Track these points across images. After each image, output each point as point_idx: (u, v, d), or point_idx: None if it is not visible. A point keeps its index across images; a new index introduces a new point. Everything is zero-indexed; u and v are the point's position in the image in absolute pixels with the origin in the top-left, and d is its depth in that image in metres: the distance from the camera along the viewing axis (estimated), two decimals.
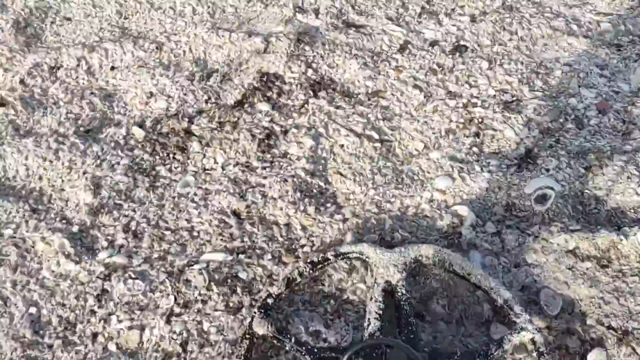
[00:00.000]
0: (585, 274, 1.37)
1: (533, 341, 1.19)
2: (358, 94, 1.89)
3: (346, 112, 1.82)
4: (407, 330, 1.19)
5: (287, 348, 1.19)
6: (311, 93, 1.88)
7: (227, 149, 1.71)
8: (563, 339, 1.28)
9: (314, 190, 1.62)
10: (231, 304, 1.35)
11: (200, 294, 1.36)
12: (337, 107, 1.83)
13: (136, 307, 1.35)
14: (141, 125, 1.80)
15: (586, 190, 1.57)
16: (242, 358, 1.19)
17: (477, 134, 1.73)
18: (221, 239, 1.49)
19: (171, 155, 1.71)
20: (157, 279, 1.40)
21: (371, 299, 1.25)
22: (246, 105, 1.85)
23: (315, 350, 1.18)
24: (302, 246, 1.47)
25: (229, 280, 1.39)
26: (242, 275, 1.41)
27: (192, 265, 1.42)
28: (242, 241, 1.48)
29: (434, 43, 2.05)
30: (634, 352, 1.25)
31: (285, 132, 1.77)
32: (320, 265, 1.34)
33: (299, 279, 1.31)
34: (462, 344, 1.26)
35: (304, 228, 1.52)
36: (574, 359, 1.26)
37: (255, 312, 1.24)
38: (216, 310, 1.34)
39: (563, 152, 1.65)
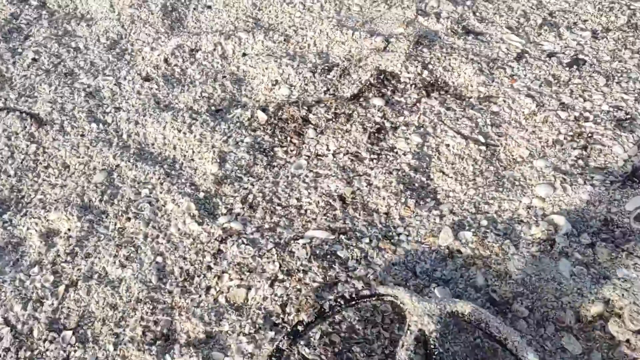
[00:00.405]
0: None
1: None
2: (470, 98, 1.95)
3: (456, 115, 1.89)
4: None
5: None
6: (424, 93, 1.97)
7: (340, 138, 1.85)
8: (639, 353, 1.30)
9: (416, 185, 1.72)
10: (328, 278, 1.49)
11: (302, 265, 1.52)
12: (448, 109, 1.91)
13: (246, 269, 1.53)
14: (264, 110, 1.98)
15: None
16: None
17: (584, 147, 1.74)
18: (325, 219, 1.63)
19: (289, 139, 1.88)
20: (265, 247, 1.57)
21: (402, 346, 1.23)
22: (361, 99, 1.98)
23: None
24: (399, 234, 1.58)
25: (328, 256, 1.53)
26: (341, 253, 1.54)
27: (297, 240, 1.58)
28: (344, 223, 1.62)
29: (551, 54, 2.07)
30: None
31: (395, 129, 1.88)
32: (353, 302, 1.32)
33: (328, 312, 1.31)
34: None
35: (402, 218, 1.63)
36: None
37: (283, 337, 1.26)
38: (314, 281, 1.48)
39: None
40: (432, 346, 1.22)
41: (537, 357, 1.20)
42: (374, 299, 1.32)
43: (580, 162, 1.71)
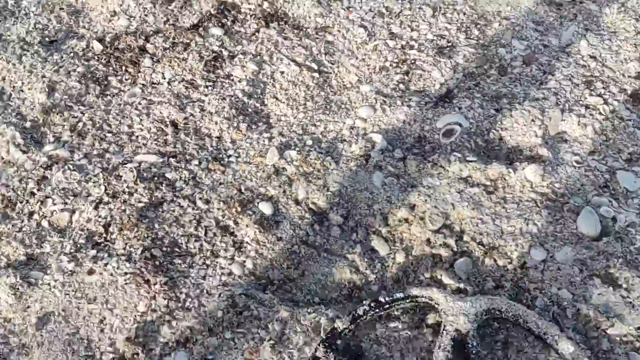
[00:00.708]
0: (471, 198, 1.54)
1: None
2: (307, 28, 2.02)
3: (292, 44, 1.95)
4: None
5: None
6: (263, 23, 2.02)
7: (176, 66, 1.87)
8: (438, 249, 1.46)
9: (249, 110, 1.77)
10: (153, 198, 1.53)
11: (127, 187, 1.54)
12: (285, 38, 1.97)
13: (70, 194, 1.53)
14: (101, 40, 1.95)
15: (493, 130, 1.72)
16: None
17: (407, 73, 1.87)
18: (156, 144, 1.66)
19: (124, 68, 1.86)
20: (92, 172, 1.58)
21: (439, 347, 1.24)
22: (200, 29, 1.99)
23: None
24: (229, 156, 1.64)
25: (156, 178, 1.57)
26: (169, 175, 1.58)
27: (126, 164, 1.59)
28: (175, 147, 1.65)
29: None
30: (494, 264, 1.43)
31: (233, 57, 1.91)
32: (387, 306, 1.33)
33: (364, 317, 1.31)
34: None
35: (233, 141, 1.68)
36: (444, 266, 1.44)
37: (319, 345, 1.25)
38: (140, 202, 1.52)
39: (479, 94, 1.79)
40: (470, 345, 1.23)
41: (578, 348, 1.22)
42: (408, 301, 1.32)
43: (402, 86, 1.83)
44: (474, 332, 1.24)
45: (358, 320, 1.29)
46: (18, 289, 1.34)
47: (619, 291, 1.37)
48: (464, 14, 2.07)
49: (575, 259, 1.43)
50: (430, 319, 1.33)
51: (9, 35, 1.97)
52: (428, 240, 1.49)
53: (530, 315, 1.28)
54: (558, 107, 1.76)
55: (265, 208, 1.53)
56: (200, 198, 1.53)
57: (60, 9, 2.08)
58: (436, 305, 1.30)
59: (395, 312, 1.34)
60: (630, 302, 1.35)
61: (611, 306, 1.35)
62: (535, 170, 1.58)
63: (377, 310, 1.31)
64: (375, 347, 1.29)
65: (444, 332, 1.25)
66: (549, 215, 1.51)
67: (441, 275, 1.43)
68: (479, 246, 1.45)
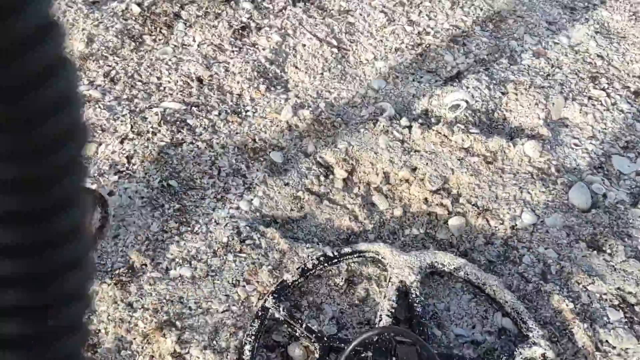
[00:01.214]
0: (470, 166, 1.63)
1: (544, 357, 1.22)
2: (331, 10, 2.15)
3: (316, 22, 2.08)
4: (419, 330, 1.22)
5: (297, 334, 1.25)
6: (291, 2, 2.15)
7: (206, 32, 2.00)
8: (434, 208, 1.55)
9: (270, 75, 1.89)
10: (174, 139, 1.64)
11: (152, 127, 1.66)
12: (309, 17, 2.10)
13: (99, 129, 1.66)
14: (139, 4, 2.10)
15: (497, 110, 1.81)
16: (253, 337, 1.22)
17: (420, 55, 1.98)
18: (181, 95, 1.78)
19: (158, 29, 2.00)
20: (120, 112, 1.70)
21: (384, 297, 1.28)
22: (232, 2, 2.13)
23: (325, 338, 1.23)
24: (247, 111, 1.76)
25: (178, 123, 1.69)
26: (190, 121, 1.70)
27: (152, 108, 1.72)
28: (198, 99, 1.77)
29: None
30: (487, 223, 1.51)
31: (259, 29, 2.05)
32: (335, 260, 1.36)
33: (312, 270, 1.34)
34: (473, 351, 1.29)
35: (252, 99, 1.80)
36: (439, 223, 1.52)
37: (268, 296, 1.28)
38: (162, 141, 1.63)
39: (487, 78, 1.89)
40: (414, 295, 1.28)
41: (515, 298, 1.29)
42: (355, 255, 1.37)
43: (415, 65, 1.94)
44: (418, 283, 1.30)
45: (307, 274, 1.33)
46: None
47: (602, 255, 1.45)
48: (481, 9, 2.19)
49: (563, 225, 1.51)
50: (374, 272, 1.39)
51: None
52: (426, 199, 1.58)
53: (470, 267, 1.34)
54: (562, 94, 1.85)
55: (276, 157, 1.63)
56: (217, 143, 1.64)
57: None
58: (382, 259, 1.35)
59: (344, 265, 1.38)
60: (613, 266, 1.42)
61: (594, 267, 1.42)
62: (534, 146, 1.67)
63: (326, 264, 1.35)
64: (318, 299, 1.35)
65: (390, 283, 1.29)
66: (543, 186, 1.59)
67: (435, 231, 1.52)
68: (474, 207, 1.54)
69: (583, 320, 1.30)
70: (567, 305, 1.33)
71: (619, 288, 1.38)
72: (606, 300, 1.36)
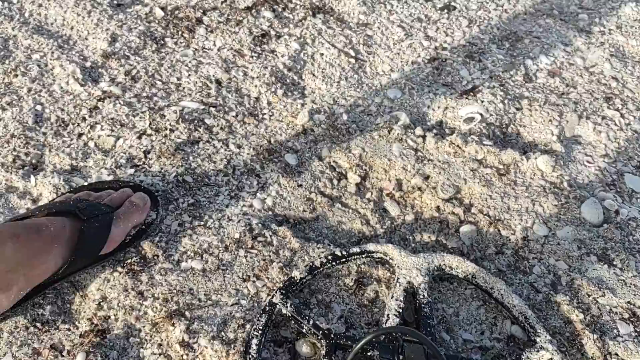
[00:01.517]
0: (483, 177, 1.63)
1: None
2: (350, 22, 2.19)
3: (334, 32, 2.12)
4: (427, 331, 1.21)
5: (304, 330, 1.23)
6: (311, 13, 2.19)
7: (227, 37, 2.04)
8: (446, 216, 1.55)
9: (287, 81, 1.92)
10: (191, 137, 1.66)
11: (170, 125, 1.68)
12: (328, 27, 2.14)
13: (118, 124, 1.68)
14: (163, 9, 2.14)
15: (511, 125, 1.83)
16: (260, 331, 1.22)
17: (436, 68, 2.00)
18: (199, 95, 1.81)
19: (180, 33, 2.04)
20: (140, 109, 1.73)
21: (392, 297, 1.27)
22: (253, 11, 2.17)
23: (332, 335, 1.21)
24: (263, 114, 1.78)
25: (196, 122, 1.71)
26: (207, 121, 1.72)
27: (170, 107, 1.74)
28: (216, 100, 1.80)
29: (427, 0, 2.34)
30: (498, 233, 1.51)
31: (279, 37, 2.08)
32: (343, 259, 1.36)
33: (320, 268, 1.33)
34: (481, 356, 1.28)
35: (269, 103, 1.83)
36: (450, 231, 1.53)
37: (276, 292, 1.27)
38: (179, 138, 1.66)
39: (503, 93, 1.91)
40: (422, 296, 1.27)
41: (523, 302, 1.28)
42: (363, 256, 1.37)
43: (430, 78, 1.97)
44: (426, 285, 1.29)
45: (315, 272, 1.33)
46: (59, 189, 1.47)
47: (613, 269, 1.44)
48: (498, 28, 2.22)
49: (575, 238, 1.51)
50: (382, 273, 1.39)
51: None
52: (438, 207, 1.58)
53: (479, 272, 1.33)
54: (576, 112, 1.87)
55: (291, 159, 1.65)
56: (233, 143, 1.66)
57: None
58: (390, 260, 1.35)
59: (353, 267, 1.38)
60: (623, 280, 1.42)
61: (604, 280, 1.42)
62: (547, 161, 1.68)
63: (334, 263, 1.34)
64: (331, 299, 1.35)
65: (397, 283, 1.29)
66: (555, 199, 1.59)
67: (446, 239, 1.52)
68: (485, 217, 1.54)
69: (593, 332, 1.30)
70: (577, 316, 1.32)
71: (629, 302, 1.37)
72: (616, 313, 1.35)
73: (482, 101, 1.86)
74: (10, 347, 1.22)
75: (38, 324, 1.25)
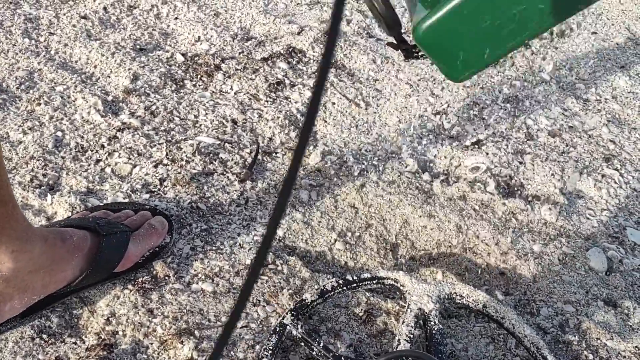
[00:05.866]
0: (490, 221, 1.67)
1: None
2: (360, 77, 2.29)
3: (346, 85, 2.21)
4: (438, 358, 1.22)
5: (314, 353, 1.24)
6: None
7: (244, 83, 2.12)
8: (454, 255, 1.57)
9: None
10: (206, 169, 1.70)
11: (186, 156, 1.73)
12: (340, 80, 2.23)
13: (135, 152, 1.72)
14: (183, 55, 2.24)
15: (515, 177, 1.89)
16: (270, 351, 1.23)
17: (442, 123, 2.08)
18: (215, 132, 1.86)
19: (199, 77, 2.13)
20: (157, 141, 1.78)
21: (403, 322, 1.28)
22: (269, 62, 2.27)
23: (343, 358, 1.22)
24: (276, 153, 1.83)
25: (211, 155, 1.76)
26: (222, 155, 1.77)
27: (187, 140, 1.80)
28: (232, 137, 1.85)
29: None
30: (506, 276, 1.53)
31: (293, 86, 2.17)
32: (354, 285, 1.37)
33: (331, 292, 1.35)
34: None
35: (282, 143, 1.88)
36: (455, 270, 1.55)
37: (287, 313, 1.29)
38: (194, 169, 1.70)
39: (507, 147, 1.98)
40: (432, 323, 1.28)
41: (535, 332, 1.29)
42: (374, 282, 1.38)
43: (437, 130, 2.04)
44: (436, 312, 1.29)
45: (326, 295, 1.34)
46: (75, 208, 1.49)
47: (620, 315, 1.46)
48: (500, 91, 2.33)
49: (581, 284, 1.53)
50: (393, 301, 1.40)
51: (106, 39, 2.29)
52: (445, 246, 1.61)
53: (490, 301, 1.33)
54: (577, 169, 1.93)
55: (302, 195, 1.68)
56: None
57: (153, 30, 2.40)
58: (401, 287, 1.36)
59: (362, 291, 1.39)
60: (630, 326, 1.43)
61: (612, 325, 1.43)
62: (551, 210, 1.72)
63: (345, 287, 1.36)
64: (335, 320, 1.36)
65: (408, 310, 1.29)
66: (560, 247, 1.63)
67: (452, 278, 1.54)
68: (494, 260, 1.57)
69: None
70: (586, 356, 1.32)
71: (637, 347, 1.38)
72: (625, 357, 1.36)
73: (487, 153, 1.93)
74: (15, 357, 1.20)
75: (44, 336, 1.24)
